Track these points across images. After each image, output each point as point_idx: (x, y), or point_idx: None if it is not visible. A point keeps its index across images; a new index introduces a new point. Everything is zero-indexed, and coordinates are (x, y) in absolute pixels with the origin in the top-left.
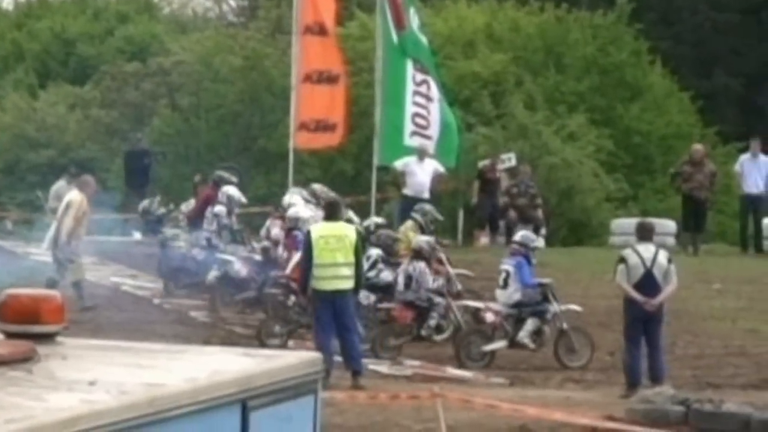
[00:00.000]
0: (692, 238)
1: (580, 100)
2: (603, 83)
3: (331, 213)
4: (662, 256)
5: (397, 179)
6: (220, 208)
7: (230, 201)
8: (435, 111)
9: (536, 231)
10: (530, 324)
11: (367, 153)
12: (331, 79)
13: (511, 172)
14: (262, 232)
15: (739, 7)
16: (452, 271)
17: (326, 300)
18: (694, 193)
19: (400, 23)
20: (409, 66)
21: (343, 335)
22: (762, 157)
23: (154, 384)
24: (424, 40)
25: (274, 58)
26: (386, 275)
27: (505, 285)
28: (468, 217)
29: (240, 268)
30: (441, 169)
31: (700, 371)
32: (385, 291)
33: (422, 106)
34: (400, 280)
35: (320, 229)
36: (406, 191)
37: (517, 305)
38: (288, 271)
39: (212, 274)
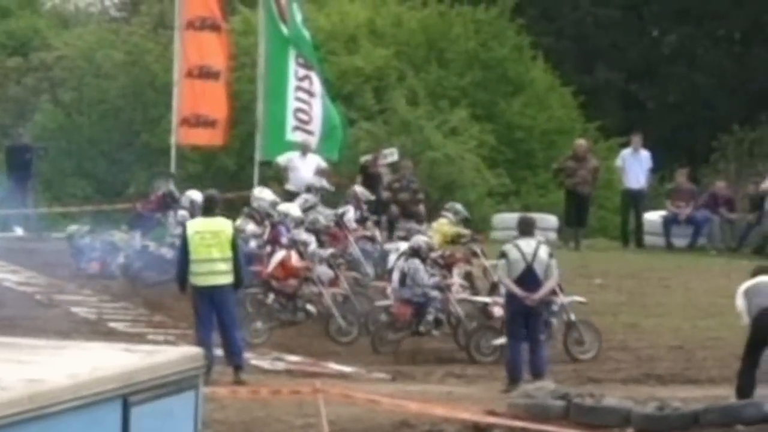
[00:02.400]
0: (574, 233)
1: (462, 95)
2: (485, 78)
3: (208, 208)
4: (543, 251)
5: (279, 174)
6: (183, 213)
7: (193, 205)
8: (317, 106)
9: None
10: None
11: (250, 148)
12: (212, 75)
13: (393, 167)
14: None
15: (620, 3)
16: (487, 263)
17: (204, 295)
18: (578, 189)
19: (283, 18)
20: (292, 61)
21: (223, 330)
22: (643, 152)
23: (35, 380)
24: (306, 35)
25: (157, 53)
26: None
27: None
28: None
29: None
30: (323, 164)
31: (581, 366)
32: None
33: (304, 102)
34: (395, 277)
35: (196, 225)
36: (289, 186)
37: None
38: (270, 268)
39: None
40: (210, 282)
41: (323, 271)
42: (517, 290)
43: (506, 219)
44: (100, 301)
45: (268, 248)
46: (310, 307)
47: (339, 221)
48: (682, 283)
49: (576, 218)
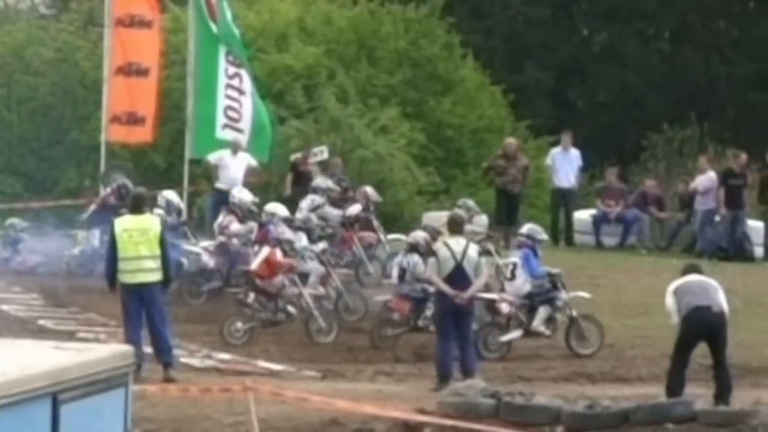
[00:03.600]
0: (504, 231)
1: (392, 94)
2: (415, 77)
3: (135, 206)
4: (473, 250)
5: (209, 172)
6: (159, 212)
7: (169, 205)
8: (247, 104)
9: None
10: (542, 312)
11: (179, 146)
12: (142, 72)
13: (323, 165)
14: (215, 227)
15: (550, 2)
16: (500, 261)
17: (133, 293)
18: (508, 187)
19: (212, 16)
20: (222, 59)
21: (152, 328)
22: (573, 151)
23: None
24: (236, 32)
25: (86, 50)
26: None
27: (513, 277)
28: None
29: (208, 260)
30: (254, 163)
31: (510, 364)
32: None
33: (234, 99)
34: (394, 273)
35: (124, 223)
36: (219, 185)
37: (528, 296)
38: (254, 266)
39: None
40: (138, 279)
41: (315, 267)
42: (447, 289)
43: (436, 218)
44: (30, 299)
45: (256, 248)
46: (291, 309)
47: (345, 222)
48: (611, 281)
49: (506, 217)
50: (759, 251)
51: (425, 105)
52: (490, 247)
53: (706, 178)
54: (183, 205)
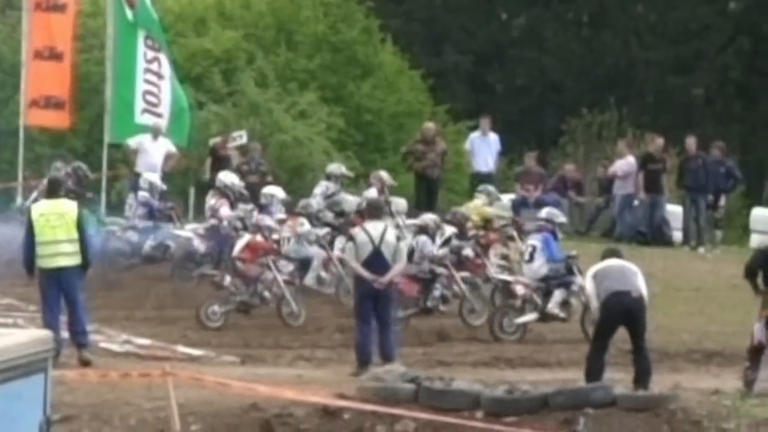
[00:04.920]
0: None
1: (311, 78)
2: (334, 61)
3: (52, 190)
4: (391, 234)
5: (128, 157)
6: (144, 194)
7: (152, 187)
8: (166, 89)
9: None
10: (558, 295)
11: (98, 130)
12: (56, 56)
13: (242, 149)
14: (206, 211)
15: None
16: (522, 245)
17: (51, 278)
18: (427, 172)
19: (130, 2)
20: (140, 43)
21: (69, 310)
22: (492, 136)
23: None
24: (155, 16)
25: (4, 34)
26: (468, 251)
27: (531, 259)
28: (199, 194)
29: (199, 244)
30: (173, 149)
31: (430, 349)
32: (458, 267)
33: (153, 84)
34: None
35: (41, 208)
36: (138, 169)
37: (544, 279)
38: (236, 252)
39: (148, 245)
40: (56, 264)
41: (316, 251)
42: (365, 273)
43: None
44: None
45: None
46: (266, 294)
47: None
48: None
49: (426, 201)
50: (677, 236)
51: (344, 89)
52: (513, 232)
53: (625, 163)
54: (164, 186)
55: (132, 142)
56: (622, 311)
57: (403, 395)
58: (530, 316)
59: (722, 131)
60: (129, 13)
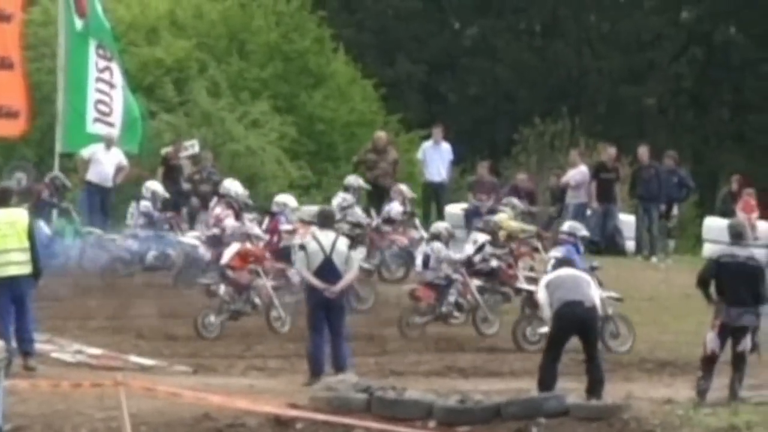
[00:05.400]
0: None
1: (263, 87)
2: (286, 70)
3: (2, 199)
4: (342, 243)
5: (80, 166)
6: (145, 204)
7: (154, 196)
8: (118, 98)
9: None
10: None
11: (50, 139)
12: (6, 66)
13: (194, 159)
14: (209, 219)
15: None
16: (545, 256)
17: (2, 287)
18: (379, 181)
19: (81, 10)
20: (92, 52)
21: (18, 318)
22: (444, 145)
23: None
24: (107, 25)
25: None
26: (494, 262)
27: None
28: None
29: (204, 252)
30: (124, 162)
31: (383, 359)
32: (489, 275)
33: (105, 93)
34: (419, 261)
35: None
36: (91, 178)
37: None
38: (225, 260)
39: (151, 255)
40: (8, 273)
41: None
42: (316, 282)
43: (308, 212)
44: None
45: (267, 237)
46: (257, 300)
47: (384, 220)
48: None
49: (378, 210)
50: (630, 245)
51: (296, 99)
52: (538, 244)
53: (578, 172)
54: (167, 195)
55: (85, 152)
56: (575, 321)
57: (356, 405)
58: None
59: (675, 141)
60: (78, 23)
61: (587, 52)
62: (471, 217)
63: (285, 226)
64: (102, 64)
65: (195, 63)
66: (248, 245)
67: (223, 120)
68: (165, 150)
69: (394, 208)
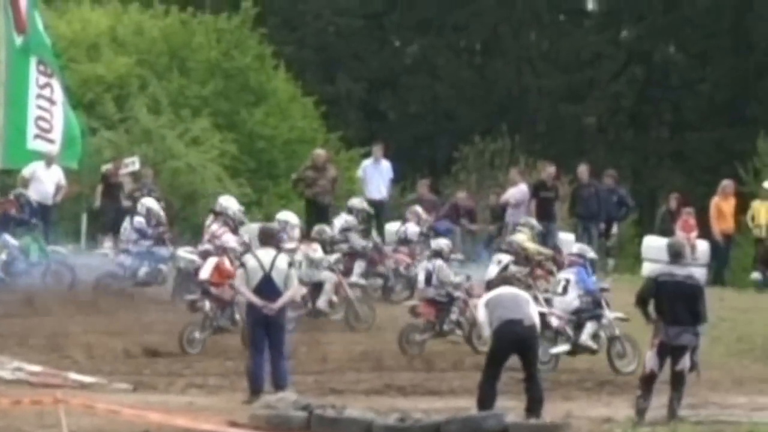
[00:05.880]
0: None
1: (204, 104)
2: (227, 87)
3: None
4: (282, 261)
5: (20, 183)
6: (140, 220)
7: (149, 213)
8: (58, 114)
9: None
10: (590, 327)
11: None
12: None
13: (135, 176)
14: (204, 236)
15: (362, 12)
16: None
17: None
18: (318, 198)
19: (21, 26)
20: (33, 68)
21: None
22: (384, 163)
23: None
24: (48, 42)
25: None
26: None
27: (565, 292)
28: (91, 221)
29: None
30: (63, 181)
31: (322, 377)
32: None
33: (45, 110)
34: (421, 277)
35: None
36: (32, 196)
37: (576, 311)
38: (206, 275)
39: (143, 270)
40: None
41: (328, 276)
42: (256, 299)
43: (250, 229)
44: None
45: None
46: (237, 316)
47: (375, 242)
48: None
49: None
50: None
51: (237, 116)
52: (552, 267)
53: (518, 191)
54: (162, 213)
55: (26, 171)
56: (514, 340)
57: (296, 423)
58: (563, 347)
59: (614, 159)
60: (17, 40)
61: (527, 70)
62: None
63: (288, 245)
64: (43, 80)
65: (136, 80)
66: (225, 260)
67: (164, 137)
68: (105, 167)
69: (410, 228)
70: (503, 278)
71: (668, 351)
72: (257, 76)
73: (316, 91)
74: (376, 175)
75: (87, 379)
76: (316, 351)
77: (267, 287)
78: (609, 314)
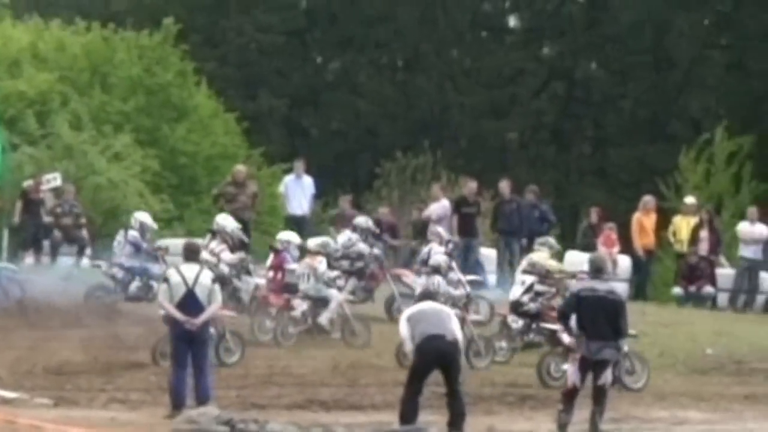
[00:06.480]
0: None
1: (126, 120)
2: (149, 103)
3: None
4: (205, 277)
5: None
6: (134, 234)
7: (143, 227)
8: None
9: (81, 251)
10: None
11: None
12: None
13: (56, 191)
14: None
15: (284, 29)
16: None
17: None
18: (238, 214)
19: None
20: None
21: None
22: (306, 178)
23: None
24: None
25: None
26: (536, 306)
27: None
28: (12, 237)
29: None
30: None
31: (245, 392)
32: (533, 317)
33: None
34: (419, 293)
35: None
36: None
37: None
38: None
39: (134, 285)
40: None
41: (334, 293)
42: (178, 314)
43: (171, 244)
44: None
45: (271, 273)
46: (212, 330)
47: (378, 259)
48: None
49: (239, 243)
50: (491, 279)
51: (159, 132)
52: (569, 285)
53: (440, 206)
54: (155, 226)
55: None
56: (437, 355)
57: None
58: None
59: (536, 175)
60: None
61: (449, 86)
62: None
63: (291, 266)
64: None
65: (57, 96)
66: None
67: (86, 153)
68: (26, 183)
69: (435, 249)
70: (426, 294)
71: (590, 366)
72: (179, 93)
73: (238, 108)
74: (298, 191)
75: (9, 394)
76: (239, 366)
77: (190, 302)
78: None
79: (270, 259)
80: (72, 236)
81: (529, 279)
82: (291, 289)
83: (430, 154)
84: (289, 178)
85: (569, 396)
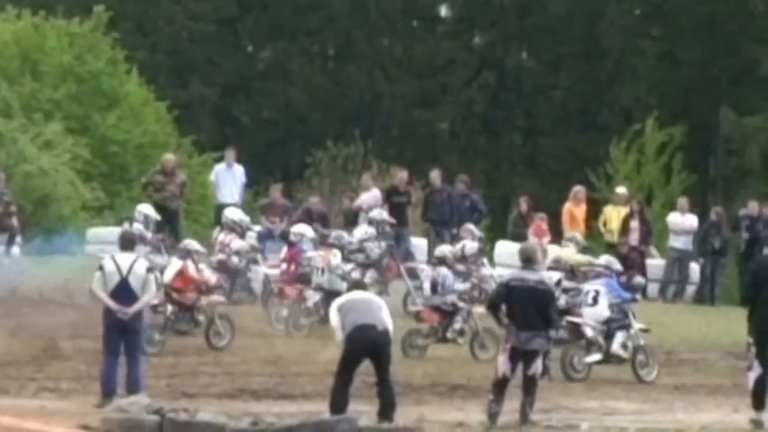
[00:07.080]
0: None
1: (56, 108)
2: (80, 91)
3: None
4: (140, 266)
5: None
6: (138, 226)
7: (147, 219)
8: None
9: (11, 239)
10: (620, 337)
11: None
12: None
13: None
14: (215, 246)
15: (216, 18)
16: (583, 287)
17: None
18: (167, 203)
19: None
20: None
21: None
22: (237, 167)
23: None
24: None
25: None
26: (562, 302)
27: (595, 303)
28: None
29: (210, 275)
30: None
31: (175, 381)
32: (561, 313)
33: None
34: (426, 285)
35: None
36: None
37: (606, 321)
38: (167, 279)
39: None
40: None
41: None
42: (111, 303)
43: (100, 233)
44: None
45: (284, 266)
46: (200, 318)
47: (392, 252)
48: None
49: (168, 231)
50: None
51: (90, 120)
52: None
53: (370, 196)
54: (159, 217)
55: None
56: (367, 344)
57: (148, 427)
58: (596, 357)
59: (467, 165)
60: None
61: (380, 75)
62: (264, 239)
63: (309, 254)
64: None
65: None
66: (189, 266)
67: (16, 141)
68: None
69: (468, 245)
70: (356, 283)
71: (520, 355)
72: (110, 81)
73: (169, 96)
74: (229, 180)
75: None
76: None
77: (123, 291)
78: (636, 324)
79: (283, 252)
80: (2, 225)
81: (556, 275)
82: (304, 279)
83: (361, 144)
84: (220, 167)
85: (499, 386)
